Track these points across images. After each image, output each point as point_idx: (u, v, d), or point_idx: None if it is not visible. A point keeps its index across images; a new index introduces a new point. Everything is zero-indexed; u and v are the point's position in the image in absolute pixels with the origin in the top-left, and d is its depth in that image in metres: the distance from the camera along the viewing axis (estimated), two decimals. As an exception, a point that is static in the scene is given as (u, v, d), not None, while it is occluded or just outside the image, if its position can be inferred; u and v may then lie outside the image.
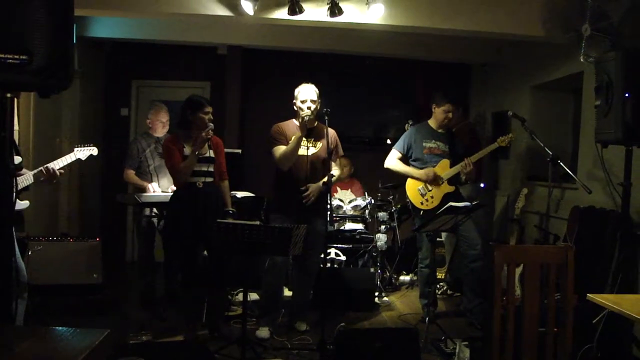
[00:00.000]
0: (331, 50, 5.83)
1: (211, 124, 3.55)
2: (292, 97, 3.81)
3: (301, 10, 3.89)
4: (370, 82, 6.39)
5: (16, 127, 3.98)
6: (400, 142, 4.30)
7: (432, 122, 4.30)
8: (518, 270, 3.42)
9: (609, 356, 3.00)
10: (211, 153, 3.62)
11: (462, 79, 6.60)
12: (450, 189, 4.16)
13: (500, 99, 5.83)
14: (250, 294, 4.03)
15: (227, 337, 3.61)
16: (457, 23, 4.11)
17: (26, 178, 3.11)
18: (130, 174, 4.32)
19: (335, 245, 4.86)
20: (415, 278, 5.14)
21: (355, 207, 5.10)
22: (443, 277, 5.25)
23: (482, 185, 5.37)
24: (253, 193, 4.70)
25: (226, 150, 3.90)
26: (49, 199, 5.11)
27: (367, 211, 5.13)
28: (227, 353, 3.28)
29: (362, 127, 6.48)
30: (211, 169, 3.61)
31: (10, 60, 1.76)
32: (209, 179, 3.60)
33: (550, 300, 2.22)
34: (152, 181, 4.29)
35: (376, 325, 4.19)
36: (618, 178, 3.14)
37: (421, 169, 4.18)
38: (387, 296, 4.92)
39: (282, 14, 3.96)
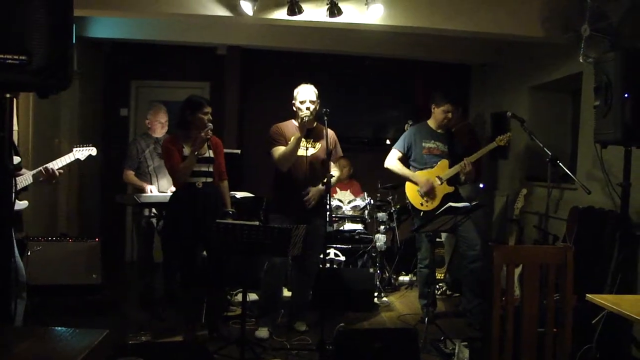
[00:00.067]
0: (330, 50, 5.83)
1: (210, 124, 3.55)
2: (291, 97, 3.81)
3: (300, 11, 3.89)
4: (369, 83, 6.39)
5: (15, 127, 3.98)
6: (400, 142, 4.30)
7: (431, 123, 4.30)
8: (517, 271, 3.41)
9: (608, 357, 3.00)
10: (210, 153, 3.61)
11: (462, 79, 6.60)
12: (450, 189, 4.16)
13: (499, 100, 5.83)
14: (249, 294, 4.02)
15: (226, 337, 3.60)
16: (457, 23, 4.11)
17: (25, 178, 3.11)
18: (130, 174, 4.32)
19: (334, 245, 4.87)
20: (414, 278, 5.14)
21: (354, 208, 5.11)
22: (442, 277, 5.25)
23: (481, 185, 5.37)
24: (252, 193, 4.70)
25: (225, 150, 3.90)
26: (48, 199, 5.10)
27: (366, 212, 5.13)
28: (226, 353, 3.28)
29: (361, 127, 6.48)
30: (210, 169, 3.60)
31: (10, 61, 1.76)
32: (209, 180, 3.60)
33: (549, 300, 2.22)
34: (151, 182, 4.30)
35: (375, 326, 4.18)
36: (617, 178, 3.14)
37: (420, 169, 4.19)
38: (386, 296, 4.92)
39: (281, 14, 3.96)
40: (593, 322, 2.95)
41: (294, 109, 3.80)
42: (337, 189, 5.44)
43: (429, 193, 4.10)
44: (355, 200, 5.18)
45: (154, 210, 4.24)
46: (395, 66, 6.25)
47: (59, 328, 1.46)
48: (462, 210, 3.61)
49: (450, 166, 4.15)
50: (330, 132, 3.82)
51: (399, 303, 4.83)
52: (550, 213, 4.24)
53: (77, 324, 1.79)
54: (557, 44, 4.23)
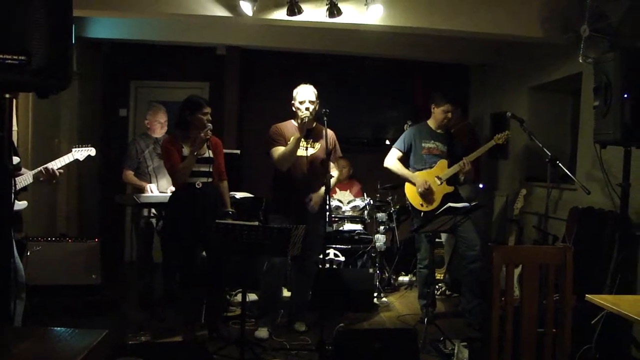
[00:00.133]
0: (330, 50, 5.83)
1: (210, 125, 3.54)
2: (291, 97, 3.81)
3: (300, 11, 3.89)
4: (369, 83, 6.39)
5: (15, 127, 3.98)
6: (400, 141, 4.30)
7: (431, 123, 4.30)
8: (517, 271, 3.41)
9: (608, 357, 3.00)
10: (210, 153, 3.61)
11: (461, 79, 6.61)
12: (450, 189, 4.16)
13: (499, 100, 5.83)
14: (249, 294, 4.02)
15: (226, 337, 3.60)
16: (457, 23, 4.11)
17: (25, 178, 3.11)
18: (129, 174, 4.32)
19: (334, 245, 4.87)
20: (414, 279, 5.14)
21: (354, 208, 5.10)
22: (442, 277, 5.25)
23: (481, 186, 5.38)
24: (252, 193, 4.70)
25: (225, 150, 3.90)
26: (48, 200, 5.10)
27: (366, 212, 5.13)
28: (225, 353, 3.28)
29: (361, 127, 6.48)
30: (210, 169, 3.59)
31: (9, 61, 1.76)
32: (208, 180, 3.60)
33: (549, 300, 2.22)
34: (151, 182, 4.29)
35: (375, 326, 4.18)
36: (617, 179, 3.14)
37: (420, 169, 4.19)
38: (385, 297, 4.91)
39: (281, 14, 3.96)
40: (592, 322, 2.95)
41: (294, 109, 3.80)
42: (337, 189, 5.44)
43: (426, 194, 4.10)
44: (354, 200, 5.18)
45: (153, 210, 4.24)
46: (394, 66, 6.25)
47: (58, 328, 1.46)
48: (462, 210, 3.61)
49: (450, 166, 4.15)
50: (330, 133, 3.82)
51: (399, 303, 4.83)
52: (549, 213, 4.24)
53: (77, 324, 1.80)
54: (557, 44, 4.23)
